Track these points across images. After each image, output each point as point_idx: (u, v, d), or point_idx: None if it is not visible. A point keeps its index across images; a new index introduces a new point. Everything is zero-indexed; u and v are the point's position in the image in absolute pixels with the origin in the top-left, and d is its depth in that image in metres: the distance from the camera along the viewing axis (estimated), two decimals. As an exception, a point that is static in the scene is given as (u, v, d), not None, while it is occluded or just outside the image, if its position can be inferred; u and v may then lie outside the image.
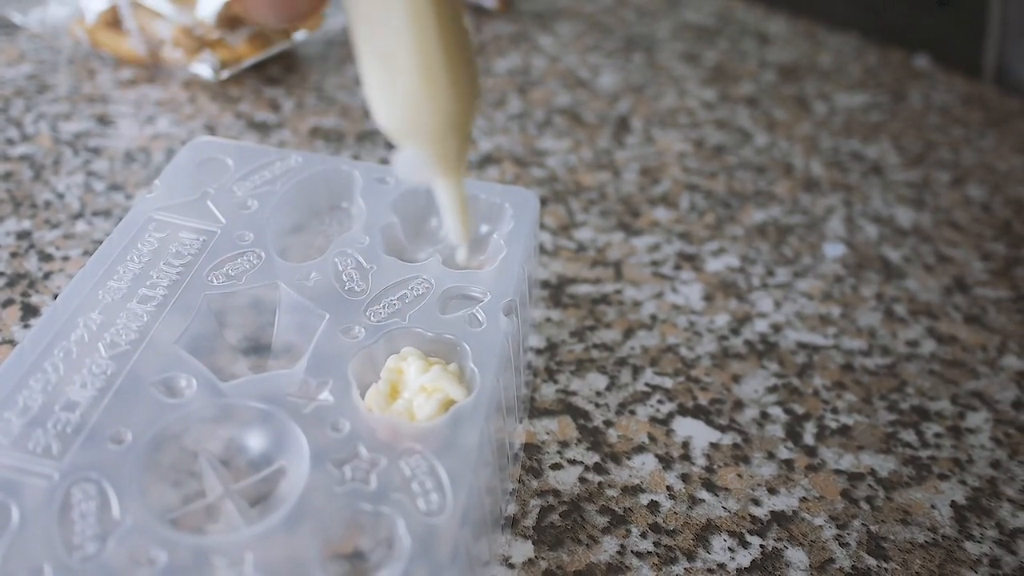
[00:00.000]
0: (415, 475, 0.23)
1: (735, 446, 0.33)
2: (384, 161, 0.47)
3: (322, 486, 0.23)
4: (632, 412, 0.34)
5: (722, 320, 0.39)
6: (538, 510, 0.30)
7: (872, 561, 0.30)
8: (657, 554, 0.29)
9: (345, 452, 0.24)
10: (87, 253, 0.38)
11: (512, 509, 0.30)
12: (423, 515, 0.23)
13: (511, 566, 0.28)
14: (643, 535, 0.29)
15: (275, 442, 0.25)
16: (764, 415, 0.34)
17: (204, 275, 0.29)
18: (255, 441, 0.26)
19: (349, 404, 0.25)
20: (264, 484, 0.25)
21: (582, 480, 0.31)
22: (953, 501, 0.32)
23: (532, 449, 0.32)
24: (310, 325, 0.28)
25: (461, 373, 0.27)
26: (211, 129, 0.47)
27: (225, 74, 0.50)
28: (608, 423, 0.33)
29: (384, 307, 0.29)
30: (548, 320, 0.37)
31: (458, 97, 0.19)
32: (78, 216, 0.40)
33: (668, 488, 0.31)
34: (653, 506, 0.30)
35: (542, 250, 0.42)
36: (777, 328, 0.39)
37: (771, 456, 0.33)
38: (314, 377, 0.26)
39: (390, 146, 0.48)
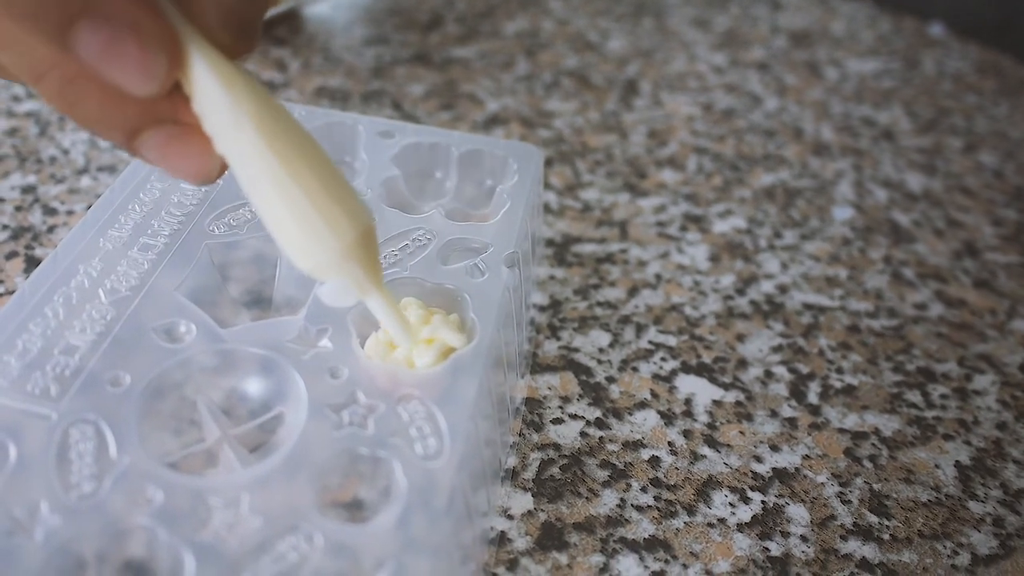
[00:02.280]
0: (413, 420, 0.23)
1: (738, 404, 0.33)
2: (391, 118, 0.46)
3: (320, 430, 0.23)
4: (635, 369, 0.34)
5: (728, 280, 0.39)
6: (538, 463, 0.30)
7: (874, 519, 0.29)
8: (657, 508, 0.29)
9: (343, 398, 0.24)
10: (91, 207, 0.38)
11: (512, 462, 0.30)
12: (420, 459, 0.23)
13: (510, 517, 0.28)
14: (643, 489, 0.29)
15: (274, 388, 0.25)
16: (768, 374, 0.34)
17: (205, 225, 0.29)
18: (254, 387, 0.26)
19: (348, 351, 0.25)
20: (263, 430, 0.25)
21: (583, 435, 0.31)
22: (957, 461, 0.32)
23: (533, 404, 0.32)
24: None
25: (461, 323, 0.27)
26: (217, 88, 0.47)
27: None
28: (610, 379, 0.33)
29: (385, 257, 0.28)
30: (552, 278, 0.37)
31: (340, 234, 0.21)
32: (83, 172, 0.40)
33: (670, 444, 0.31)
34: (654, 461, 0.30)
35: (548, 209, 0.41)
36: (783, 289, 0.39)
37: (774, 414, 0.33)
38: (314, 324, 0.26)
39: (397, 105, 0.48)
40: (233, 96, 0.19)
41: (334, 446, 0.23)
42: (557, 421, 0.31)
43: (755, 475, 0.30)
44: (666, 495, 0.29)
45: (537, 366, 0.33)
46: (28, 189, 0.38)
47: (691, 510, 0.29)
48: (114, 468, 0.22)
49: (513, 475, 0.29)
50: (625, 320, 0.36)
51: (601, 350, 0.34)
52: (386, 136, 0.33)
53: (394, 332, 0.24)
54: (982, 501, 0.31)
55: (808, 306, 0.38)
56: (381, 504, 0.23)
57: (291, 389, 0.25)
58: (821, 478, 0.31)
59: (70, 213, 0.37)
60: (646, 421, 0.32)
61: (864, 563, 0.28)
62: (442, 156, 0.34)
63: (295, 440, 0.23)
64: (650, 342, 0.35)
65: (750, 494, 0.30)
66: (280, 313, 0.29)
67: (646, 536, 0.28)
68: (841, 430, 0.32)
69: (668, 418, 0.32)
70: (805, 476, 0.31)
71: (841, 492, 0.30)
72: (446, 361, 0.25)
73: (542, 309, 0.36)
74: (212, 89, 0.19)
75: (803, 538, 0.28)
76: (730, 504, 0.29)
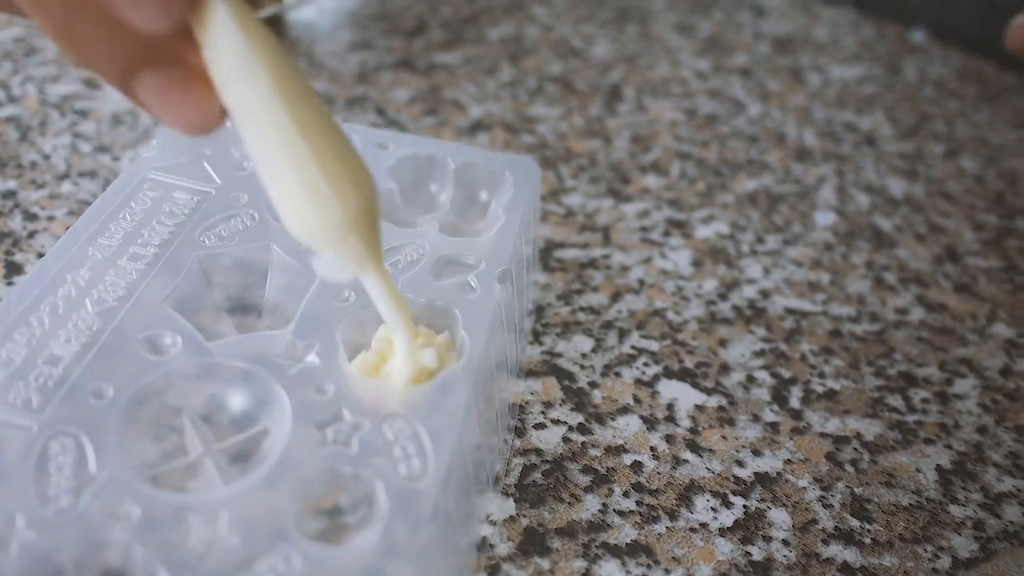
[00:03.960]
0: (398, 440, 0.23)
1: (720, 408, 0.33)
2: (375, 125, 0.46)
3: (303, 447, 0.23)
4: (617, 374, 0.34)
5: (710, 285, 0.39)
6: (520, 468, 0.30)
7: (855, 523, 0.30)
8: (639, 513, 0.29)
9: (328, 414, 0.24)
10: (72, 213, 0.37)
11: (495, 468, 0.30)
12: (404, 479, 0.22)
13: (492, 523, 0.28)
14: (626, 494, 0.29)
15: (259, 402, 0.25)
16: (750, 379, 0.34)
17: (196, 235, 0.29)
18: (239, 401, 0.25)
19: (335, 367, 0.25)
20: (247, 444, 0.25)
21: (565, 440, 0.31)
22: (938, 465, 0.32)
23: (516, 409, 0.32)
24: (300, 287, 0.28)
25: (451, 342, 0.26)
26: (199, 93, 0.46)
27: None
28: (593, 384, 0.33)
29: None
30: (535, 283, 0.37)
31: (344, 201, 0.20)
32: (64, 177, 0.40)
33: (652, 449, 0.31)
34: (636, 466, 0.30)
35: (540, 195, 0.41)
36: (766, 294, 0.39)
37: (756, 419, 0.33)
38: (301, 339, 0.26)
39: (380, 111, 0.48)
40: (251, 46, 0.18)
41: (317, 464, 0.22)
42: (539, 426, 0.31)
43: (737, 480, 0.30)
44: (648, 500, 0.29)
45: (519, 371, 0.33)
46: (8, 194, 0.38)
47: (673, 515, 0.29)
48: (93, 482, 0.21)
49: (495, 480, 0.29)
50: (608, 325, 0.36)
51: (584, 355, 0.34)
52: (382, 148, 0.33)
53: (387, 315, 0.24)
54: (963, 505, 0.31)
55: (790, 311, 0.38)
56: (362, 524, 0.22)
57: (276, 404, 0.24)
58: (803, 482, 0.31)
59: (51, 219, 0.37)
60: (628, 426, 0.32)
61: (845, 567, 0.28)
62: (438, 168, 0.33)
63: (277, 457, 0.23)
64: (633, 347, 0.35)
65: (732, 499, 0.30)
66: (270, 324, 0.29)
67: (628, 541, 0.28)
68: (823, 434, 0.33)
69: (650, 423, 0.32)
70: (787, 480, 0.31)
71: (823, 496, 0.30)
72: (434, 379, 0.25)
73: (526, 314, 0.36)
74: (230, 35, 0.18)
75: (785, 542, 0.29)
76: (712, 509, 0.29)
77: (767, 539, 0.29)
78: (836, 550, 0.29)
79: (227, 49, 0.18)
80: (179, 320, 0.26)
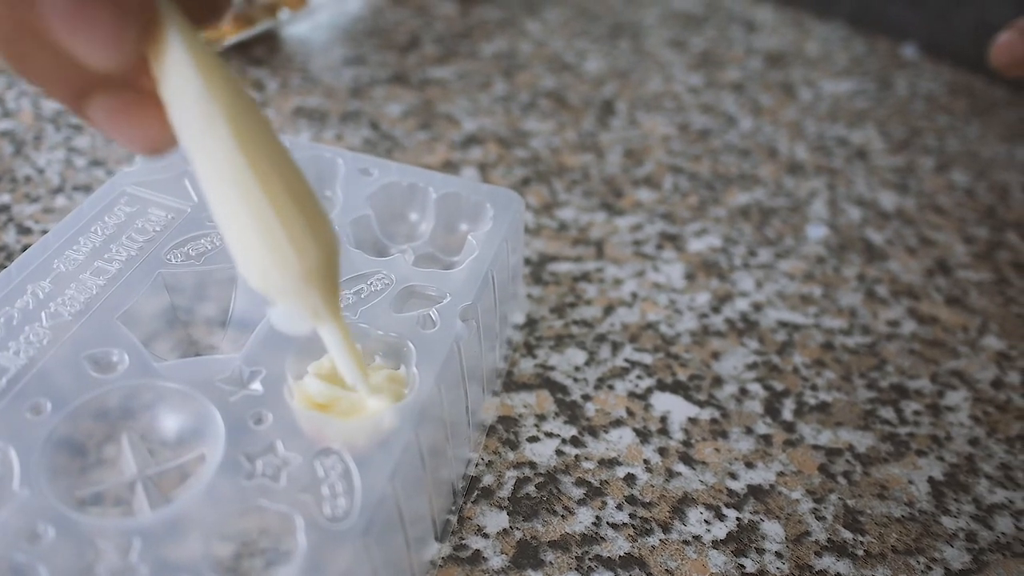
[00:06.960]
0: (328, 477, 0.22)
1: (713, 421, 0.33)
2: (367, 141, 0.46)
3: (230, 479, 0.22)
4: (610, 387, 0.34)
5: (703, 299, 0.39)
6: (514, 481, 0.30)
7: (848, 535, 0.30)
8: (632, 525, 0.29)
9: (261, 446, 0.23)
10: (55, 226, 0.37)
11: (489, 480, 0.30)
12: (326, 520, 0.21)
13: (485, 536, 0.28)
14: (619, 507, 0.29)
15: (198, 428, 0.24)
16: (743, 391, 0.34)
17: (163, 253, 0.29)
18: (179, 424, 0.25)
19: (278, 397, 0.24)
20: (183, 469, 0.24)
21: (559, 453, 0.31)
22: (930, 477, 0.32)
23: (509, 422, 0.32)
24: (257, 311, 0.27)
25: (404, 377, 0.25)
26: (194, 108, 0.47)
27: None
28: (586, 397, 0.33)
29: None
30: (528, 296, 0.37)
31: (302, 254, 0.19)
32: (58, 191, 0.40)
33: (645, 461, 0.31)
34: (629, 479, 0.30)
35: (524, 229, 0.41)
36: (758, 307, 0.39)
37: (749, 431, 0.33)
38: (249, 365, 0.25)
39: (374, 126, 0.48)
40: (209, 87, 0.17)
41: (240, 497, 0.22)
42: (533, 439, 0.31)
43: (730, 492, 0.30)
44: (641, 512, 0.29)
45: (513, 384, 0.33)
46: (2, 208, 0.38)
47: (666, 527, 0.29)
48: (12, 499, 0.21)
49: (488, 493, 0.29)
50: (601, 338, 0.36)
51: (577, 368, 0.34)
52: (365, 173, 0.33)
53: (344, 368, 0.23)
54: (955, 516, 0.31)
55: (783, 324, 0.38)
56: (279, 562, 0.22)
57: (213, 431, 0.24)
58: (795, 495, 0.31)
59: (44, 232, 0.37)
60: (622, 439, 0.32)
61: (838, 579, 0.28)
62: (419, 197, 0.33)
63: (201, 487, 0.22)
64: (626, 360, 0.35)
65: (725, 511, 0.30)
66: (229, 348, 0.28)
67: (621, 554, 0.28)
68: (815, 447, 0.33)
69: (643, 436, 0.32)
70: (780, 493, 0.31)
71: (815, 508, 0.30)
72: (375, 416, 0.24)
73: (519, 327, 0.36)
74: (186, 76, 0.17)
75: (778, 554, 0.29)
76: (705, 521, 0.29)
77: (760, 551, 0.29)
78: (829, 562, 0.29)
79: (184, 90, 0.18)
80: (129, 338, 0.25)
